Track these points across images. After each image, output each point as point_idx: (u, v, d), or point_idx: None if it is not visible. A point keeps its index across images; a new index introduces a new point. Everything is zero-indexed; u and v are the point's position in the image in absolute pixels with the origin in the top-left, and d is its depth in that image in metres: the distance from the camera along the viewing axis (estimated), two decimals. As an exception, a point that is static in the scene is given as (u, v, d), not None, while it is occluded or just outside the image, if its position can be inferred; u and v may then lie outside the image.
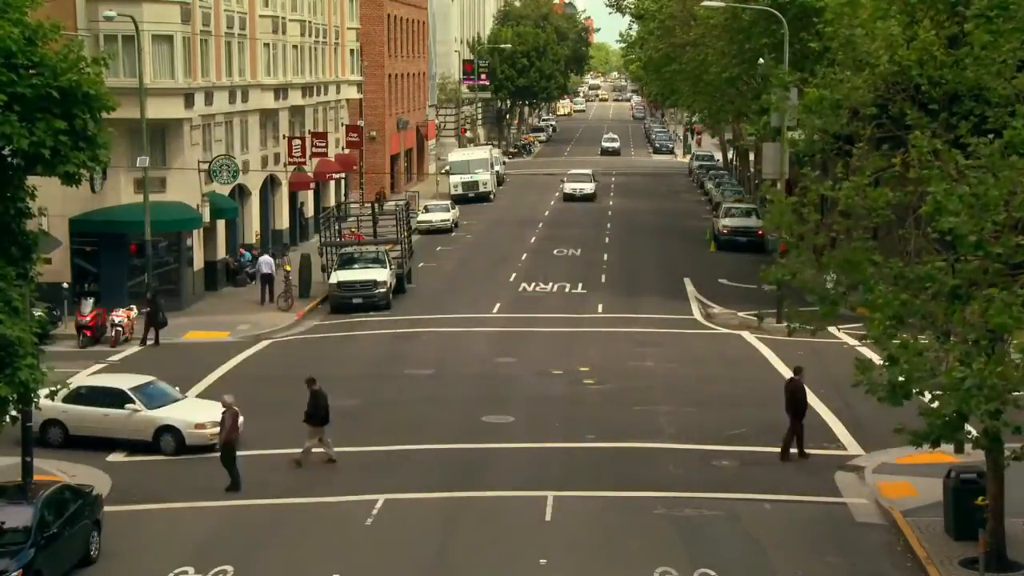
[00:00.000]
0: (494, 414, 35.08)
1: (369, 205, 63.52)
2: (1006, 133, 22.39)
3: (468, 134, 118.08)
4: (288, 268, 54.31)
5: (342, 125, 78.43)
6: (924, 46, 25.92)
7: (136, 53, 46.40)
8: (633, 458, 31.15)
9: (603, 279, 58.55)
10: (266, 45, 61.58)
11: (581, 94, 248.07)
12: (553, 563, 24.35)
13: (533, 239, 71.35)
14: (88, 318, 44.15)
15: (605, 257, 64.76)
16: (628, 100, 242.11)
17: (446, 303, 52.67)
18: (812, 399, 36.39)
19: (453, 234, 74.34)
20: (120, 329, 44.39)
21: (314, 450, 30.87)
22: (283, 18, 64.10)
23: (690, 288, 55.94)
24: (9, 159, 22.51)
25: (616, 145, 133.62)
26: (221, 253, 55.78)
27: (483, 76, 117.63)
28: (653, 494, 28.22)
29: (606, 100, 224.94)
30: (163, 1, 48.40)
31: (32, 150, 21.91)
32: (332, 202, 72.00)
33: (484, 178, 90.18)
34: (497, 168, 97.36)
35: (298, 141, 64.43)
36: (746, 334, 46.08)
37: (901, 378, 21.56)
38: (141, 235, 47.03)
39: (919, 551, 24.43)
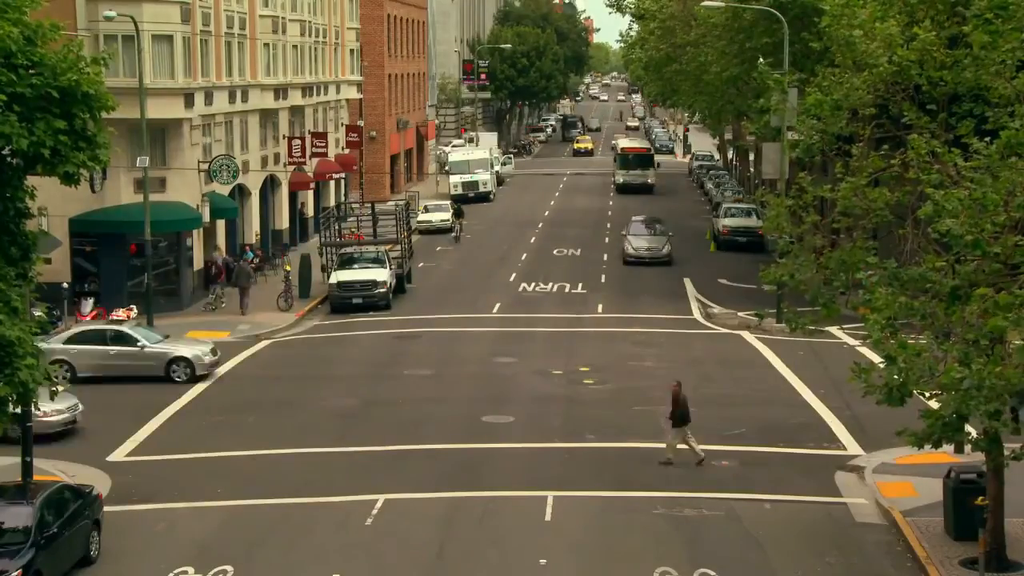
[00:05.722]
0: (494, 414, 35.09)
1: (369, 205, 63.53)
2: (1004, 134, 22.40)
3: (468, 134, 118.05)
4: (288, 268, 54.33)
5: (342, 125, 78.43)
6: (923, 46, 25.93)
7: (136, 53, 46.38)
8: (633, 458, 31.15)
9: (603, 279, 58.56)
10: (266, 45, 61.58)
11: (581, 95, 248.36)
12: (553, 563, 24.36)
13: (533, 239, 71.37)
14: (88, 318, 44.16)
15: (605, 257, 64.76)
16: (625, 100, 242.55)
17: (446, 303, 52.67)
18: (812, 399, 36.51)
19: (453, 234, 74.35)
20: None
21: (680, 446, 30.62)
22: (283, 18, 64.10)
23: (690, 288, 55.94)
24: (9, 159, 22.50)
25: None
26: (221, 253, 55.74)
27: (483, 76, 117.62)
28: (653, 494, 28.23)
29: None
30: (163, 1, 48.40)
31: (32, 150, 21.89)
32: (332, 202, 72.01)
33: (484, 178, 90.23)
34: (497, 168, 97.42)
35: (298, 141, 64.42)
36: (746, 334, 46.10)
37: (897, 377, 21.56)
38: (141, 235, 47.03)
39: (919, 551, 24.43)
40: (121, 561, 24.74)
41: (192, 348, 39.51)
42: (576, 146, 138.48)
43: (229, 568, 24.14)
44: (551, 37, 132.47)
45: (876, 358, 23.72)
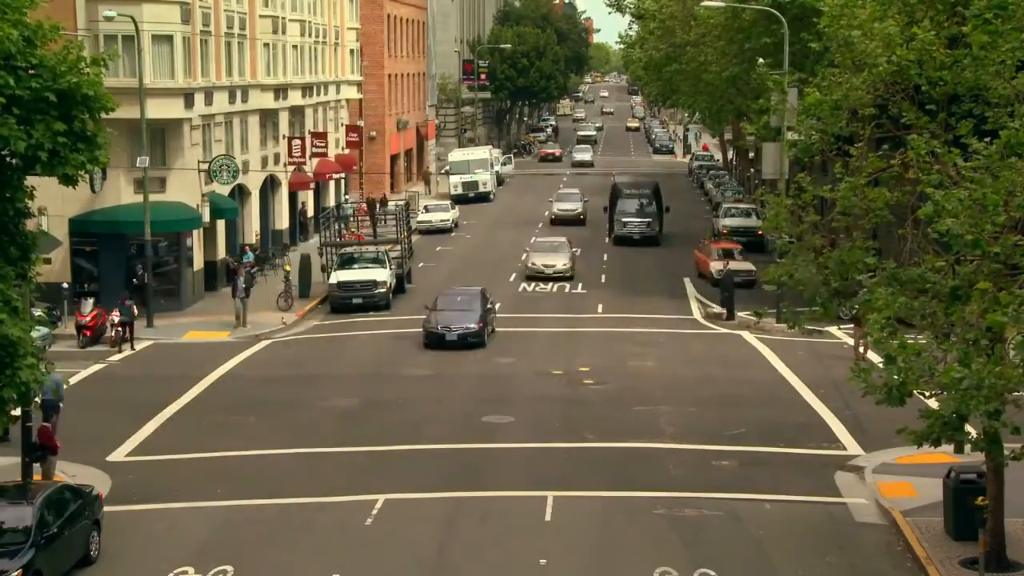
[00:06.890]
0: (494, 414, 35.09)
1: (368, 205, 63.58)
2: (1003, 134, 22.40)
3: (468, 134, 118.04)
4: (288, 268, 54.34)
5: (342, 125, 78.44)
6: (923, 46, 25.91)
7: (136, 53, 46.42)
8: (633, 458, 31.15)
9: (603, 279, 58.53)
10: (266, 45, 61.58)
11: (582, 94, 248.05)
12: (553, 563, 24.35)
13: (533, 239, 71.28)
14: (88, 318, 44.17)
15: (605, 257, 64.75)
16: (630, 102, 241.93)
17: (446, 303, 52.56)
18: (812, 399, 36.51)
19: (453, 234, 74.37)
20: (120, 329, 44.41)
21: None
22: (283, 18, 64.10)
23: (690, 288, 55.95)
24: (8, 159, 22.49)
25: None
26: (221, 253, 55.79)
27: (483, 76, 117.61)
28: (653, 494, 28.22)
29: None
30: (163, 1, 48.40)
31: (30, 152, 21.87)
32: (332, 202, 72.03)
33: (484, 178, 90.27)
34: (498, 168, 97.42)
35: (298, 141, 64.45)
36: (746, 334, 46.10)
37: (897, 377, 21.56)
38: (141, 235, 47.07)
39: (919, 551, 24.43)
40: (121, 561, 24.73)
41: None
42: (576, 157, 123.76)
43: (229, 568, 24.14)
44: (551, 37, 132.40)
45: (876, 358, 23.73)
